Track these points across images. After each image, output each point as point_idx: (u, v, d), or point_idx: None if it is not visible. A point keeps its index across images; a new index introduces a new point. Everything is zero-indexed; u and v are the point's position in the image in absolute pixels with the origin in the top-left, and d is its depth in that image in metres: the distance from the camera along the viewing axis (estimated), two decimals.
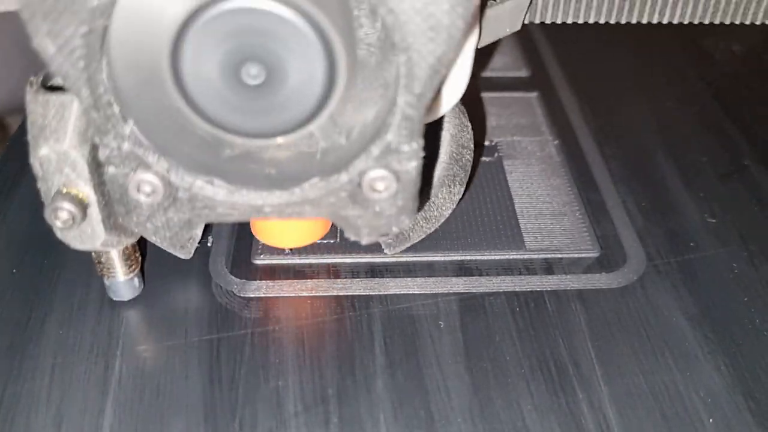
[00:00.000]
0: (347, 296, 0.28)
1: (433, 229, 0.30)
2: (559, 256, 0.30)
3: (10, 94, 0.65)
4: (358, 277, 0.29)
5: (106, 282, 0.28)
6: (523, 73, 0.42)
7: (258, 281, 0.29)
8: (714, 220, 0.32)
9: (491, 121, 0.38)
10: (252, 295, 0.28)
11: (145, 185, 0.22)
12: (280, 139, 0.21)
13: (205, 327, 0.27)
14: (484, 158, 0.35)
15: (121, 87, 0.20)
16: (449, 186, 0.29)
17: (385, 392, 0.25)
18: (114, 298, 0.28)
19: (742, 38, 0.46)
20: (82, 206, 0.23)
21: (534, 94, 0.40)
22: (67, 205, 0.23)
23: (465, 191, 0.31)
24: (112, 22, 0.19)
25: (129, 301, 0.28)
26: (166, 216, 0.23)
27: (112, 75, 0.20)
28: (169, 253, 0.29)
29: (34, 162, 0.23)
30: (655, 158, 0.35)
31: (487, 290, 0.28)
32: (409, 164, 0.22)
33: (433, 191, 0.29)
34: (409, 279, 0.29)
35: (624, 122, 0.38)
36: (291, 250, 0.30)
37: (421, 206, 0.28)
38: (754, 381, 0.25)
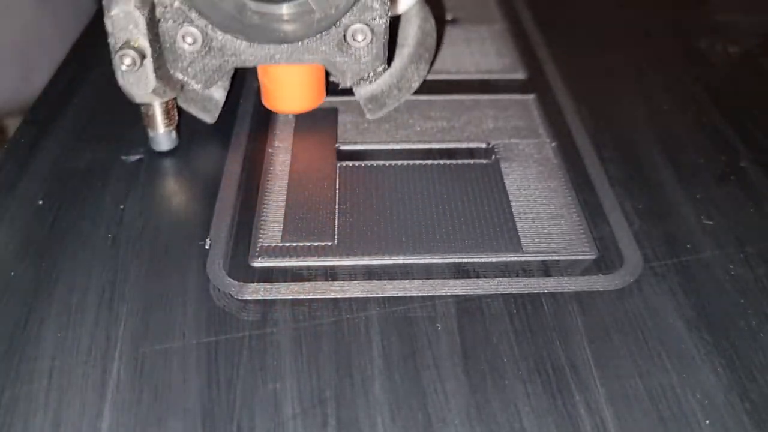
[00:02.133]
0: (345, 299, 0.28)
1: (404, 99, 0.38)
2: (557, 258, 0.30)
3: (8, 97, 0.65)
4: (355, 280, 0.29)
5: (150, 133, 0.35)
6: (520, 75, 0.42)
7: (256, 284, 0.29)
8: (711, 222, 0.32)
9: (488, 124, 0.38)
10: (250, 298, 0.28)
11: (189, 36, 0.31)
12: (285, 8, 0.30)
13: (203, 330, 0.27)
14: (481, 160, 0.35)
15: None
16: (417, 63, 0.37)
17: (382, 394, 0.25)
18: (155, 149, 0.35)
19: (739, 40, 0.46)
20: (141, 54, 0.31)
21: (531, 97, 0.40)
22: (132, 52, 0.30)
23: (429, 69, 0.39)
24: None
25: (129, 302, 0.28)
26: (203, 62, 0.33)
27: None
28: (167, 258, 0.30)
29: (107, 20, 0.30)
30: (652, 160, 0.36)
31: (484, 292, 0.28)
32: (380, 20, 0.32)
33: (404, 67, 0.37)
34: (406, 281, 0.29)
35: (621, 124, 0.38)
36: (296, 116, 0.38)
37: (388, 63, 0.35)
38: (751, 382, 0.25)
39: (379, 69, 0.33)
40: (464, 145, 0.36)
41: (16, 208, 0.32)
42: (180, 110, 0.36)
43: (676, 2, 0.52)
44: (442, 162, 0.35)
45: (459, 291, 0.29)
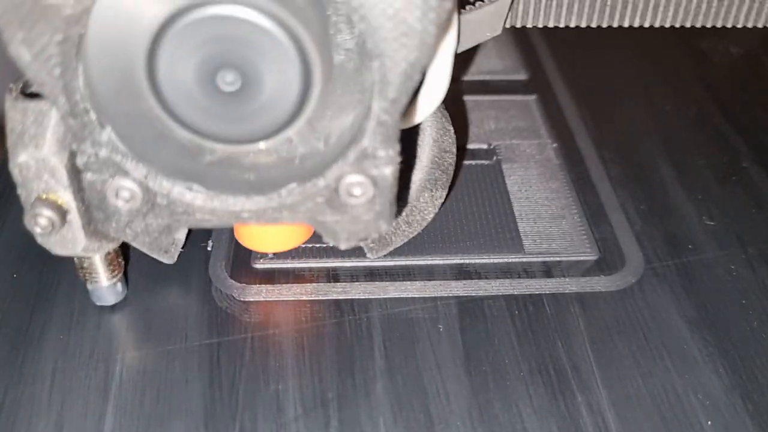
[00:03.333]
0: (347, 300, 0.28)
1: (415, 233, 0.30)
2: (558, 259, 0.30)
3: None
4: (357, 281, 0.29)
5: (90, 287, 0.28)
6: (521, 76, 0.42)
7: (258, 285, 0.29)
8: (712, 223, 0.32)
9: (490, 125, 0.38)
10: (252, 299, 0.28)
11: (124, 191, 0.22)
12: (261, 145, 0.22)
13: (205, 331, 0.27)
14: (482, 161, 0.35)
15: (98, 94, 0.21)
16: (431, 190, 0.30)
17: (384, 396, 0.25)
18: (97, 303, 0.28)
19: (741, 40, 0.46)
20: (62, 212, 0.23)
21: (532, 97, 0.40)
22: (47, 212, 0.23)
23: (448, 195, 0.31)
24: (88, 29, 0.19)
25: (128, 304, 0.28)
26: (145, 222, 0.24)
27: (88, 82, 0.20)
28: None
29: (13, 169, 0.23)
30: (654, 161, 0.36)
31: (486, 293, 0.29)
32: (386, 169, 0.22)
33: (416, 195, 0.29)
34: (408, 282, 0.29)
35: (622, 125, 0.38)
36: (275, 254, 0.30)
37: (400, 211, 0.29)
38: (752, 383, 0.25)
39: (384, 228, 0.24)
40: (466, 146, 0.36)
41: (18, 210, 0.32)
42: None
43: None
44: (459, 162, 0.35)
45: (461, 292, 0.29)
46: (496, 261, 0.30)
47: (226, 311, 0.28)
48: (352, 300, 0.28)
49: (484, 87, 0.41)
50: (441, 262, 0.30)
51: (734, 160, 0.36)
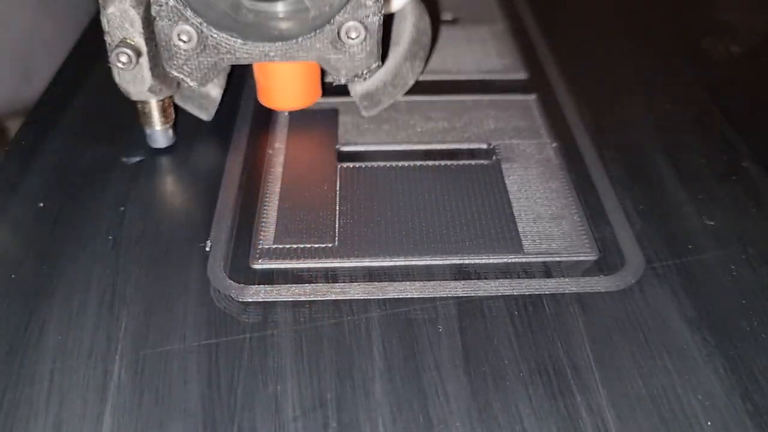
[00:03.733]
0: (345, 300, 0.28)
1: (399, 96, 0.38)
2: (558, 259, 0.30)
3: (9, 98, 0.65)
4: (356, 282, 0.29)
5: (147, 131, 0.35)
6: (521, 75, 0.42)
7: (256, 286, 0.29)
8: (712, 223, 0.32)
9: (489, 124, 0.38)
10: (250, 300, 0.28)
11: (184, 34, 0.32)
12: (280, 6, 0.31)
13: (204, 332, 0.27)
14: (482, 161, 0.35)
15: None
16: (411, 61, 0.38)
17: (383, 396, 0.25)
18: (152, 146, 0.35)
19: (741, 39, 0.46)
20: (137, 53, 0.31)
21: (532, 97, 0.40)
22: (128, 50, 0.31)
23: (425, 67, 0.40)
24: None
25: (129, 304, 0.28)
26: (198, 60, 0.33)
27: None
28: (168, 260, 0.30)
29: (103, 18, 0.31)
30: (654, 160, 0.35)
31: (485, 294, 0.28)
32: (374, 17, 0.32)
33: (399, 64, 0.37)
34: (407, 283, 0.29)
35: (622, 125, 0.38)
36: (289, 113, 0.38)
37: (382, 61, 0.35)
38: (753, 384, 0.25)
39: (374, 66, 0.33)
40: (465, 146, 0.36)
41: (17, 209, 0.32)
42: (179, 110, 0.36)
43: (678, 1, 0.52)
44: (442, 163, 0.35)
45: (460, 292, 0.28)
46: (495, 261, 0.30)
47: (224, 312, 0.28)
48: (350, 300, 0.28)
49: (484, 86, 0.41)
50: (440, 262, 0.30)
51: (734, 159, 0.36)
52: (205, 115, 0.37)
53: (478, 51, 0.44)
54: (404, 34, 0.38)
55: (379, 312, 0.28)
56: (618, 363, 0.26)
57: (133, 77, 0.32)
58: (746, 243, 0.31)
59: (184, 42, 0.32)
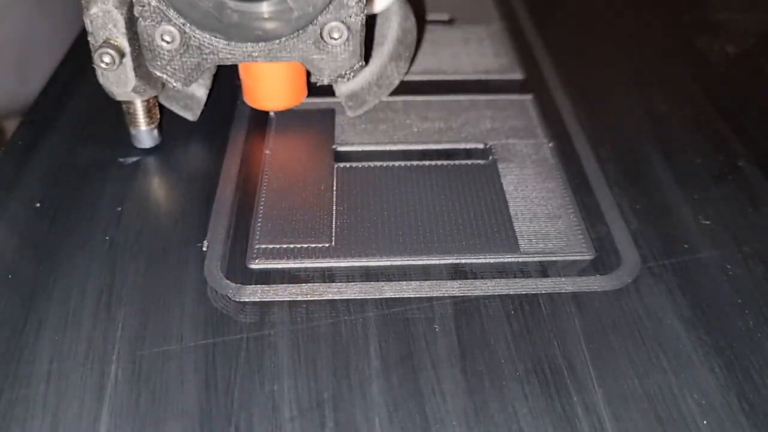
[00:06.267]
0: (342, 300, 0.28)
1: (384, 96, 0.38)
2: (554, 258, 0.30)
3: (6, 98, 0.65)
4: (353, 281, 0.29)
5: (132, 131, 0.35)
6: (517, 75, 0.42)
7: (253, 286, 0.29)
8: (708, 222, 0.32)
9: (486, 124, 0.38)
10: (247, 300, 0.28)
11: (167, 35, 0.31)
12: (265, 6, 0.30)
13: (201, 332, 0.27)
14: (478, 161, 0.35)
15: None
16: (396, 61, 0.38)
17: (380, 396, 0.25)
18: (137, 146, 0.35)
19: (736, 39, 0.46)
20: (120, 53, 0.31)
21: (529, 97, 0.40)
22: (111, 51, 0.31)
23: (409, 67, 0.40)
24: None
25: (126, 304, 0.28)
26: (181, 60, 0.32)
27: None
28: (165, 260, 0.30)
29: (86, 19, 0.31)
30: (650, 160, 0.36)
31: (482, 293, 0.29)
32: (357, 17, 0.32)
33: (384, 64, 0.37)
34: (404, 282, 0.29)
35: (618, 124, 0.38)
36: (276, 114, 0.38)
37: (367, 60, 0.36)
38: (748, 383, 0.25)
39: (357, 66, 0.33)
40: (461, 146, 0.36)
41: (14, 209, 0.32)
42: (167, 110, 0.36)
43: (673, 1, 0.52)
44: (439, 163, 0.35)
45: (456, 292, 0.29)
46: (491, 261, 0.30)
47: (221, 312, 0.28)
48: (347, 300, 0.28)
49: (480, 86, 0.41)
50: (437, 262, 0.30)
51: (730, 159, 0.36)
52: (191, 116, 0.37)
53: (474, 51, 0.44)
54: (389, 34, 0.38)
55: (375, 312, 0.28)
56: (614, 362, 0.26)
57: (117, 78, 0.32)
58: (742, 242, 0.31)
59: (167, 42, 0.31)
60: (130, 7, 0.31)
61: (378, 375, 0.26)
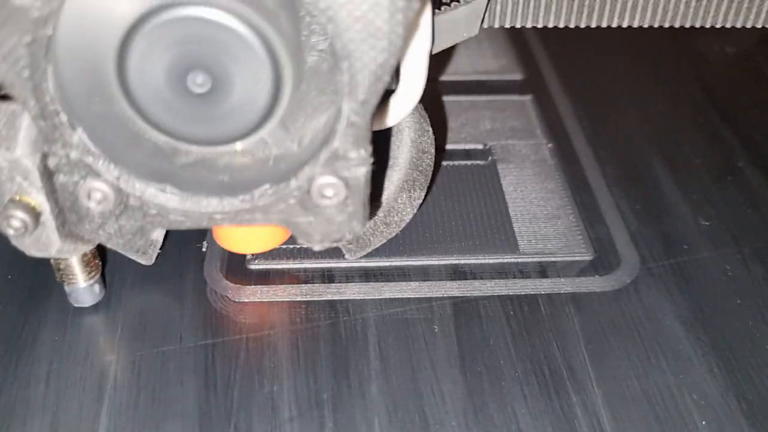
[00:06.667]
0: (342, 300, 0.28)
1: (393, 234, 0.30)
2: (553, 259, 0.30)
3: None
4: (352, 282, 0.29)
5: (67, 289, 0.28)
6: (517, 76, 0.42)
7: (253, 286, 0.29)
8: (707, 223, 0.32)
9: (485, 125, 0.38)
10: (247, 300, 0.28)
11: (96, 193, 0.22)
12: (238, 146, 0.22)
13: (200, 332, 0.27)
14: (478, 162, 0.35)
15: (69, 95, 0.20)
16: (409, 191, 0.30)
17: (379, 396, 0.25)
18: (75, 305, 0.28)
19: (736, 40, 0.46)
20: (35, 214, 0.23)
21: (528, 98, 0.40)
22: (20, 213, 0.23)
23: (426, 195, 0.31)
24: (57, 30, 0.19)
25: (123, 305, 0.28)
26: (118, 223, 0.24)
27: (59, 83, 0.20)
28: (165, 260, 0.30)
29: None
30: (649, 161, 0.36)
31: (481, 294, 0.29)
32: (358, 171, 0.22)
33: (394, 196, 0.29)
34: (403, 283, 0.29)
35: (618, 125, 0.38)
36: (253, 255, 0.30)
37: (373, 212, 0.29)
38: (747, 383, 0.25)
39: (358, 229, 0.24)
40: (461, 147, 0.36)
41: None
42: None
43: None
44: (439, 163, 0.35)
45: (456, 292, 0.29)
46: (491, 261, 0.30)
47: (221, 312, 0.28)
48: (347, 301, 0.28)
49: (480, 87, 0.41)
50: (436, 262, 0.30)
51: (729, 159, 0.36)
52: (144, 260, 0.27)
53: (473, 52, 0.44)
54: (400, 156, 0.30)
55: (375, 312, 0.28)
56: (613, 362, 0.26)
57: (36, 241, 0.24)
58: (741, 243, 0.31)
59: (97, 202, 0.23)
60: (45, 156, 0.22)
61: (377, 375, 0.26)
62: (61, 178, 0.22)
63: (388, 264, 0.30)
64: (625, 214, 0.32)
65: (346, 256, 0.30)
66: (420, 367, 0.26)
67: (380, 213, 0.29)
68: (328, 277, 0.29)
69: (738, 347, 0.27)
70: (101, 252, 0.28)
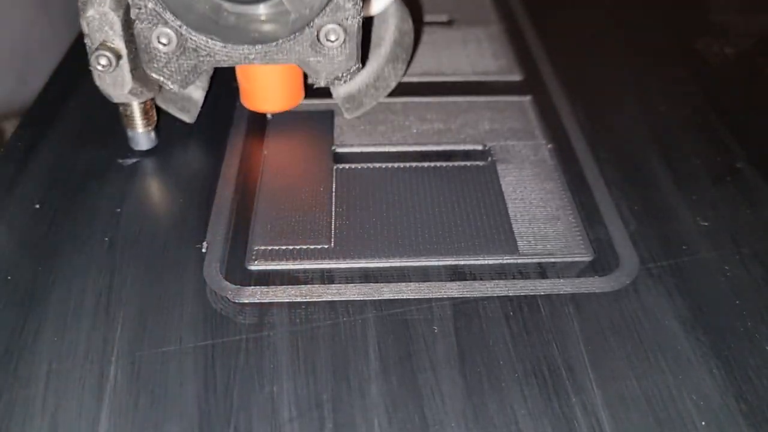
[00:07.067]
0: (341, 301, 0.28)
1: (381, 98, 0.38)
2: (553, 260, 0.30)
3: (5, 99, 0.65)
4: (352, 283, 0.29)
5: (129, 133, 0.35)
6: (516, 76, 0.42)
7: (252, 287, 0.29)
8: (706, 224, 0.32)
9: (485, 125, 0.38)
10: (246, 301, 0.28)
11: (163, 37, 0.32)
12: (261, 8, 0.31)
13: (200, 333, 0.27)
14: (477, 162, 0.35)
15: None
16: (393, 63, 0.38)
17: (379, 397, 0.25)
18: (134, 148, 0.35)
19: (735, 41, 0.46)
20: (117, 55, 0.31)
21: (527, 98, 0.40)
22: (107, 53, 0.31)
23: (407, 69, 0.40)
24: None
25: (126, 305, 0.28)
26: (178, 62, 0.33)
27: None
28: (164, 261, 0.30)
29: (83, 21, 0.31)
30: (648, 161, 0.36)
31: (480, 295, 0.29)
32: (353, 20, 0.32)
33: (381, 67, 0.38)
34: (403, 284, 0.29)
35: (617, 125, 0.38)
36: (273, 116, 0.38)
37: (364, 62, 0.36)
38: (746, 384, 0.25)
39: (353, 68, 0.34)
40: (460, 147, 0.36)
41: (13, 210, 0.32)
42: (165, 112, 0.37)
43: (672, 3, 0.52)
44: (438, 164, 0.35)
45: (455, 293, 0.29)
46: (490, 262, 0.30)
47: (220, 313, 0.28)
48: (346, 302, 0.28)
49: (479, 87, 0.41)
50: (436, 263, 0.30)
51: (728, 160, 0.36)
52: (188, 118, 0.37)
53: (473, 52, 0.44)
54: (386, 36, 0.38)
55: (374, 313, 0.28)
56: (612, 363, 0.26)
57: (114, 80, 0.32)
58: (740, 243, 0.31)
59: (164, 45, 0.32)
60: (127, 10, 0.31)
61: (377, 376, 0.26)
62: (138, 26, 0.31)
63: (387, 265, 0.30)
64: (624, 215, 0.32)
65: (345, 115, 0.37)
66: (419, 368, 0.26)
67: (370, 79, 0.37)
68: (327, 278, 0.29)
69: (737, 348, 0.27)
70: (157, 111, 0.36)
